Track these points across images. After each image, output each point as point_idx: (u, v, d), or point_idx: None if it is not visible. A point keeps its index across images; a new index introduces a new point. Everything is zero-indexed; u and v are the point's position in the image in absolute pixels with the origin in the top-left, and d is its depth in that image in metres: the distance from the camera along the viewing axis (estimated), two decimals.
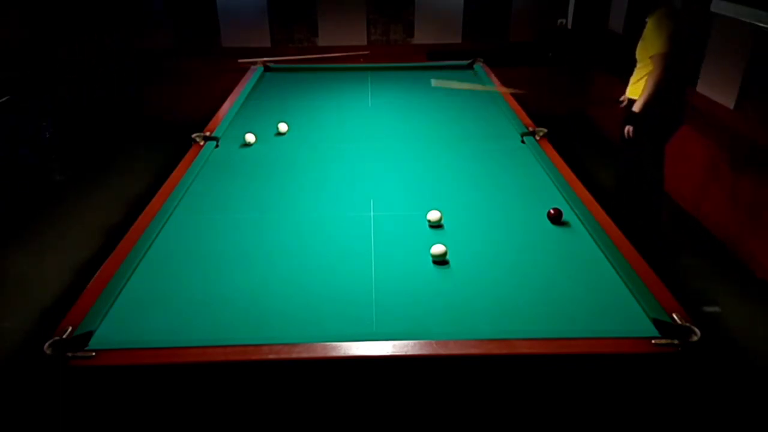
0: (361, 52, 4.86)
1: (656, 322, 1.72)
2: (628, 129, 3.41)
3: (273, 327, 1.74)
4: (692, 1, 4.24)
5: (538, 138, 3.09)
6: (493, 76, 4.22)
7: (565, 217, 2.34)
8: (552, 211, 2.33)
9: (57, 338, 1.62)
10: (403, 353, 1.61)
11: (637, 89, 3.43)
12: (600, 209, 2.38)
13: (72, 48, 5.10)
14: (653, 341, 1.64)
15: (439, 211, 2.31)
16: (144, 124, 5.60)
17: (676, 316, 1.71)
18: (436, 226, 2.30)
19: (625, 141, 3.53)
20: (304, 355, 1.60)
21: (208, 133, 3.15)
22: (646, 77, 3.34)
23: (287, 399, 1.70)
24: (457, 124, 3.43)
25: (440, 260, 2.06)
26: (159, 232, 2.26)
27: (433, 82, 3.57)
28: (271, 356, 1.59)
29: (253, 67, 4.42)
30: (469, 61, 4.53)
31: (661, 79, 3.22)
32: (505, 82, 4.06)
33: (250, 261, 2.09)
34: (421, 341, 1.63)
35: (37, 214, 4.03)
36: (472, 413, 1.73)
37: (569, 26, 5.76)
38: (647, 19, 3.35)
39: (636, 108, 3.31)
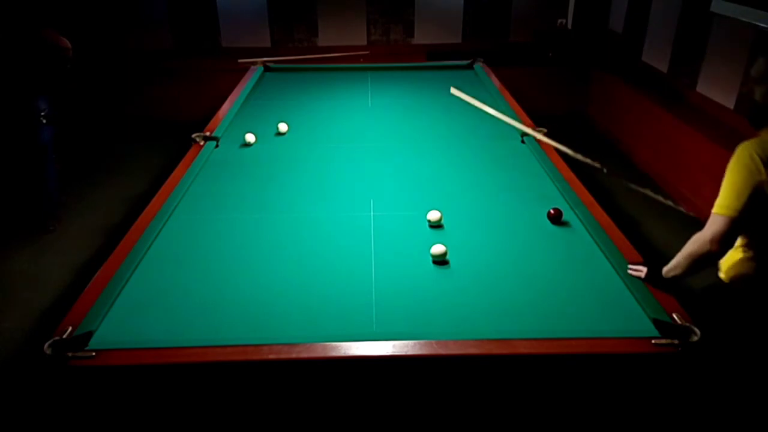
0: (361, 52, 4.85)
1: (656, 322, 1.72)
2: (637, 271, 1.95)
3: (273, 327, 1.74)
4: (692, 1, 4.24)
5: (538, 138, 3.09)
6: (493, 76, 4.22)
7: (565, 217, 2.34)
8: (552, 211, 2.33)
9: (57, 338, 1.62)
10: (403, 353, 1.61)
11: (727, 260, 1.89)
12: (600, 209, 2.38)
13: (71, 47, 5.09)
14: (653, 341, 1.64)
15: (439, 211, 2.31)
16: (144, 124, 5.59)
17: (676, 316, 1.71)
18: (436, 226, 2.30)
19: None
20: (304, 355, 1.60)
21: (208, 133, 3.15)
22: (742, 248, 1.84)
23: (287, 399, 1.70)
24: (457, 124, 3.43)
25: (440, 260, 2.06)
26: (159, 233, 2.26)
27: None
28: (271, 356, 1.59)
29: (253, 67, 4.42)
30: (469, 61, 4.53)
31: (710, 251, 1.73)
32: (505, 82, 4.07)
33: (250, 261, 2.09)
34: (421, 341, 1.63)
35: (38, 214, 4.02)
36: (473, 413, 1.73)
37: (569, 26, 5.76)
38: None
39: (664, 270, 1.87)
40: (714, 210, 1.74)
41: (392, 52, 5.67)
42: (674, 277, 1.85)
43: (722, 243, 1.72)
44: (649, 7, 4.86)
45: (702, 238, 1.75)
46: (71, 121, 4.95)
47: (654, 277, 1.89)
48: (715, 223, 1.73)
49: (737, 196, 1.70)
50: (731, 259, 1.83)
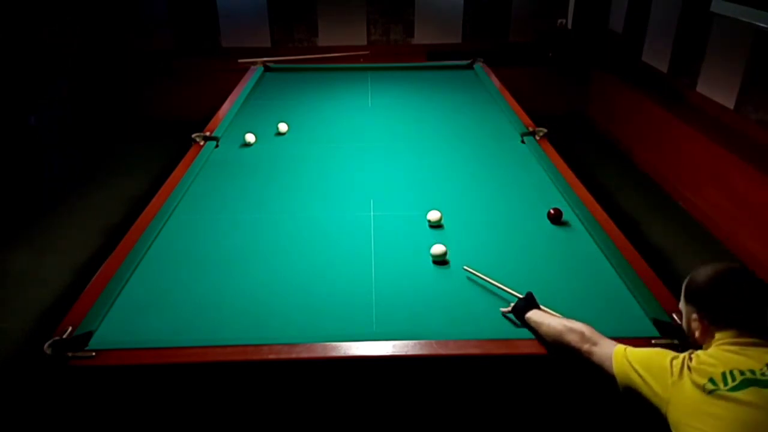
0: (361, 52, 4.85)
1: (656, 322, 1.72)
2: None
3: (273, 327, 1.74)
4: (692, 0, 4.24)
5: (538, 138, 3.09)
6: (493, 76, 4.22)
7: (565, 217, 2.34)
8: (552, 211, 2.33)
9: (57, 338, 1.62)
10: (403, 353, 1.61)
11: None
12: (600, 209, 2.38)
13: (71, 47, 5.09)
14: (653, 341, 1.64)
15: (439, 211, 2.31)
16: (144, 124, 5.59)
17: (676, 316, 1.71)
18: (436, 226, 2.30)
19: None
20: (304, 355, 1.60)
21: (208, 133, 3.15)
22: None
23: (287, 399, 1.70)
24: (457, 124, 3.43)
25: (440, 260, 2.06)
26: (159, 232, 2.26)
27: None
28: (271, 356, 1.59)
29: (253, 67, 4.42)
30: (469, 61, 4.53)
31: (580, 351, 1.52)
32: (505, 82, 4.06)
33: (250, 261, 2.09)
34: (421, 341, 1.63)
35: (37, 214, 4.03)
36: (473, 413, 1.73)
37: (569, 26, 5.76)
38: None
39: (534, 316, 1.68)
40: (619, 346, 1.45)
41: (392, 52, 5.67)
42: (533, 330, 1.67)
43: (591, 362, 1.49)
44: (649, 7, 4.86)
45: (585, 341, 1.51)
46: (72, 120, 4.96)
47: (521, 308, 1.71)
48: (608, 354, 1.45)
49: (645, 356, 1.38)
50: None
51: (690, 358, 1.30)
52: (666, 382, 1.28)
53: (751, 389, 1.18)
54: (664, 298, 1.81)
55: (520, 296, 1.78)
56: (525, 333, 1.68)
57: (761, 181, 3.32)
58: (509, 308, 1.78)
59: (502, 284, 1.87)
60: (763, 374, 1.21)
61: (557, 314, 1.72)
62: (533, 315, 1.68)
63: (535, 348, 1.63)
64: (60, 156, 4.72)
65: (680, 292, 1.47)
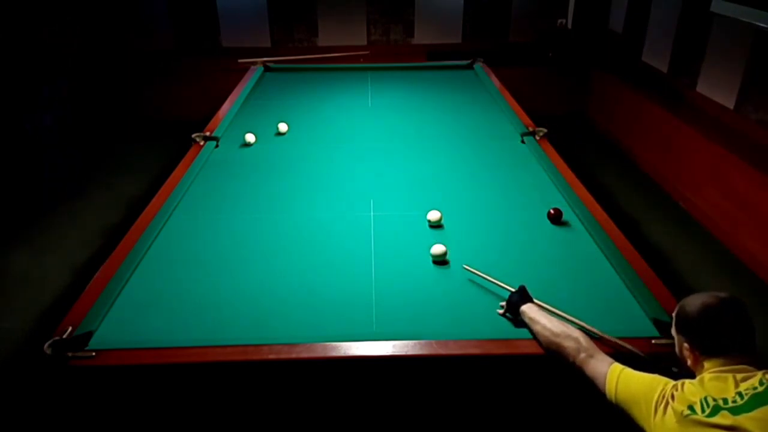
0: (361, 52, 4.85)
1: (656, 322, 1.72)
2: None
3: (273, 327, 1.74)
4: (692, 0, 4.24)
5: (538, 138, 3.09)
6: (493, 76, 4.22)
7: (565, 217, 2.34)
8: (552, 211, 2.33)
9: (57, 338, 1.62)
10: (403, 353, 1.61)
11: None
12: (600, 209, 2.38)
13: (71, 47, 5.09)
14: (653, 341, 1.64)
15: (439, 211, 2.31)
16: (144, 124, 5.59)
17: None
18: (436, 226, 2.30)
19: None
20: (304, 355, 1.60)
21: (208, 133, 3.15)
22: None
23: (287, 399, 1.70)
24: (457, 124, 3.43)
25: (440, 260, 2.06)
26: (159, 233, 2.26)
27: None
28: (271, 356, 1.59)
29: (253, 67, 4.42)
30: (469, 61, 4.53)
31: (573, 360, 1.53)
32: (505, 82, 4.07)
33: (250, 261, 2.09)
34: (421, 341, 1.63)
35: (37, 214, 4.02)
36: (473, 413, 1.73)
37: (569, 26, 5.76)
38: None
39: (531, 312, 1.69)
40: (615, 366, 1.46)
41: (392, 52, 5.67)
42: (528, 328, 1.68)
43: (582, 372, 1.51)
44: (649, 7, 4.86)
45: (581, 351, 1.52)
46: (72, 119, 4.96)
47: (515, 302, 1.74)
48: (603, 372, 1.46)
49: (638, 384, 1.39)
50: None
51: (677, 388, 1.33)
52: (650, 421, 1.32)
53: (723, 413, 1.24)
54: (664, 298, 1.81)
55: (513, 290, 1.79)
56: (525, 333, 1.68)
57: (761, 181, 3.32)
58: (504, 308, 1.79)
59: (501, 282, 1.87)
60: (734, 401, 1.25)
61: (552, 307, 1.75)
62: (528, 310, 1.70)
63: (535, 348, 1.63)
64: (60, 156, 4.72)
65: (678, 292, 1.48)
